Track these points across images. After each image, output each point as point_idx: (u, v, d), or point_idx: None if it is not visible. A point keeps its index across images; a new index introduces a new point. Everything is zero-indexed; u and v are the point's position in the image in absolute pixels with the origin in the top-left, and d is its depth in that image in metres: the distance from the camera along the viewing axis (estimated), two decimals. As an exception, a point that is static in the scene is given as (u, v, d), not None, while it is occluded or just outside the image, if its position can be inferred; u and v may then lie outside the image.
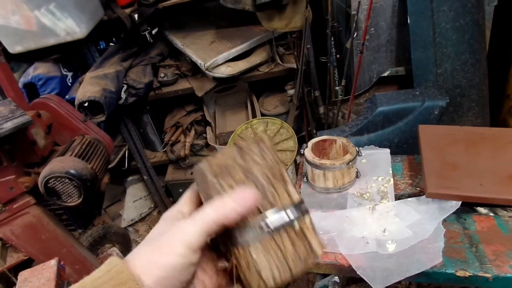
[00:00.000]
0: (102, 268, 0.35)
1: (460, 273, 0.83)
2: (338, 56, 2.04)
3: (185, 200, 0.43)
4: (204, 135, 2.50)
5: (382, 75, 2.19)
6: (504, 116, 2.06)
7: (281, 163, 0.44)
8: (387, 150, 1.25)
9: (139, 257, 0.36)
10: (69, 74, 2.12)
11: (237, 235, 0.39)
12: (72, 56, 2.20)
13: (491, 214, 0.99)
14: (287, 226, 0.40)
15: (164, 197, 2.71)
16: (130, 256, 0.37)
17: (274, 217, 0.39)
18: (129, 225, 2.81)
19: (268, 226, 0.39)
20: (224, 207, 0.37)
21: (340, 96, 2.03)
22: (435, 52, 1.87)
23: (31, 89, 2.00)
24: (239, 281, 0.41)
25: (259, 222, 0.39)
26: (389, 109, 1.74)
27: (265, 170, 0.42)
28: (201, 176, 0.42)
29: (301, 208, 0.41)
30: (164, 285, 0.35)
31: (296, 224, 0.40)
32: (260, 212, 0.40)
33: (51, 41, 1.81)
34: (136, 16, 1.95)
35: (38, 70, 1.96)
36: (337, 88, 2.08)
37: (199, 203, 0.42)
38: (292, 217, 0.40)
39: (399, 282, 1.87)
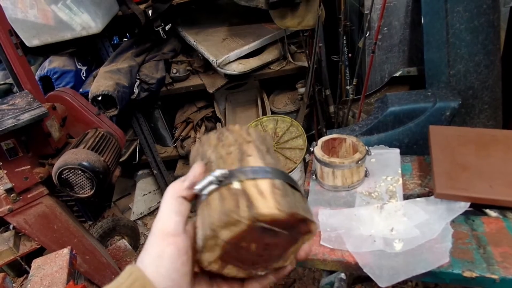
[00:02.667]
0: (122, 280, 0.36)
1: (467, 274, 0.83)
2: (350, 55, 2.04)
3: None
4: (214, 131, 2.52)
5: (394, 75, 2.18)
6: (517, 119, 2.04)
7: (249, 142, 0.45)
8: (397, 150, 1.25)
9: (143, 255, 0.38)
10: (84, 68, 2.16)
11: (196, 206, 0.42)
12: (87, 51, 2.23)
13: (500, 216, 0.98)
14: (216, 187, 0.39)
15: (173, 192, 2.74)
16: (139, 260, 0.38)
17: (203, 180, 0.40)
18: (138, 218, 2.85)
19: (198, 190, 0.40)
20: (175, 182, 0.41)
21: (351, 96, 2.03)
22: (448, 52, 1.86)
23: (47, 82, 2.04)
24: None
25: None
26: (400, 109, 1.73)
27: (219, 149, 0.44)
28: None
29: (255, 172, 0.40)
30: (166, 279, 0.36)
31: (234, 185, 0.38)
32: None
33: (67, 36, 1.84)
34: (150, 12, 1.98)
35: (53, 64, 2.00)
36: (348, 87, 2.08)
37: None
38: (219, 176, 0.39)
39: (406, 281, 1.87)
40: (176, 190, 0.40)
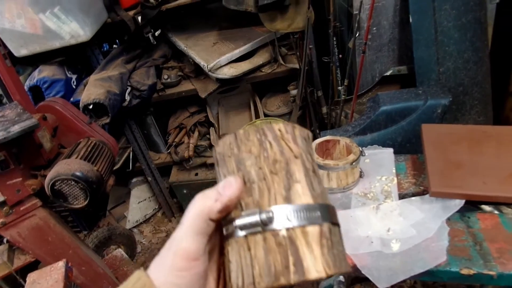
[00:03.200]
0: (130, 286, 0.35)
1: (464, 271, 0.84)
2: (340, 56, 2.05)
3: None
4: (207, 136, 2.51)
5: (385, 74, 2.20)
6: (507, 113, 2.06)
7: (296, 158, 0.37)
8: (391, 150, 1.26)
9: (156, 270, 0.36)
10: (74, 77, 2.14)
11: (223, 230, 0.37)
12: (77, 59, 2.22)
13: (496, 212, 0.99)
14: (260, 230, 0.34)
15: (169, 198, 2.73)
16: (150, 269, 0.37)
17: (244, 217, 0.34)
18: (134, 226, 2.83)
19: (236, 226, 0.35)
20: (205, 198, 0.35)
21: (343, 96, 2.03)
22: (437, 50, 1.88)
23: (36, 92, 2.02)
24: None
25: (233, 220, 0.35)
26: (392, 108, 1.74)
27: (262, 163, 0.37)
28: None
29: (303, 214, 0.34)
30: None
31: (281, 231, 0.33)
32: (242, 209, 0.36)
33: (56, 44, 1.82)
34: (139, 18, 1.97)
35: (43, 73, 1.98)
36: (339, 88, 2.09)
37: None
38: (265, 219, 0.33)
39: (404, 281, 1.87)
40: (204, 209, 0.35)
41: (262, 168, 0.36)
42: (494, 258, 0.85)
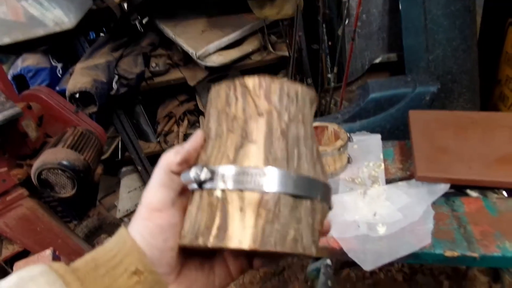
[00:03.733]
0: (112, 239, 0.35)
1: (448, 254, 0.85)
2: (330, 43, 2.04)
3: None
4: (197, 124, 2.50)
5: (374, 62, 2.20)
6: (494, 101, 2.08)
7: (260, 116, 0.33)
8: (378, 136, 1.26)
9: (132, 224, 0.36)
10: (59, 65, 2.10)
11: None
12: (62, 47, 2.17)
13: (481, 196, 1.01)
14: (196, 188, 0.33)
15: (159, 188, 2.72)
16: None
17: (187, 172, 0.33)
18: (125, 216, 2.81)
19: (184, 179, 0.34)
20: (169, 152, 0.36)
21: (333, 84, 2.03)
22: (427, 38, 1.88)
23: (21, 81, 1.98)
24: None
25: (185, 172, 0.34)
26: (381, 96, 1.75)
27: (222, 120, 0.35)
28: None
29: (244, 178, 0.31)
30: (149, 251, 0.34)
31: (216, 192, 0.31)
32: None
33: (39, 32, 1.78)
34: (125, 5, 1.93)
35: (27, 62, 1.94)
36: (329, 75, 2.09)
37: None
38: (201, 177, 0.31)
39: (392, 264, 1.90)
40: (167, 163, 0.35)
41: (221, 125, 0.34)
42: (477, 241, 0.87)
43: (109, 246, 0.34)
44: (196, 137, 0.36)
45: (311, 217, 0.33)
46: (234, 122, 0.34)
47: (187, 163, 0.35)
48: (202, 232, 0.31)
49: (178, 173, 0.35)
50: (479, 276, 1.78)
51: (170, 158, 0.35)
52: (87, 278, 0.31)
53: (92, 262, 0.32)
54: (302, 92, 0.36)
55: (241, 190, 0.30)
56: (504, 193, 0.98)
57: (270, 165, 0.31)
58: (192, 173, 0.32)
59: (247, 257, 0.39)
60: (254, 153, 0.32)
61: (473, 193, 1.02)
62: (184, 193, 0.36)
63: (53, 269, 0.31)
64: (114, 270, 0.32)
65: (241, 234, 0.29)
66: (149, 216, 0.34)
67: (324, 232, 0.37)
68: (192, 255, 0.38)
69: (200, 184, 0.32)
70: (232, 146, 0.33)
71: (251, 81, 0.35)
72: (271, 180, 0.31)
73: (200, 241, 0.30)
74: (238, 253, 0.39)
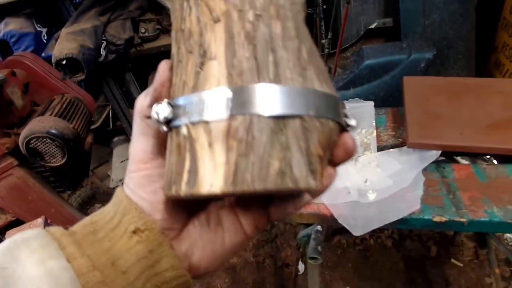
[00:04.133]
0: (110, 202, 0.32)
1: (436, 219, 0.86)
2: (324, 6, 1.98)
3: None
4: (189, 93, 2.45)
5: (370, 27, 2.15)
6: (490, 68, 2.06)
7: (216, 22, 0.26)
8: (371, 103, 1.24)
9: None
10: (44, 30, 2.02)
11: None
12: (46, 11, 2.08)
13: (471, 163, 1.01)
14: (164, 129, 0.27)
15: (152, 157, 2.71)
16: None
17: (153, 112, 0.27)
18: (118, 185, 2.82)
19: (153, 119, 0.28)
20: (140, 96, 0.31)
21: (327, 50, 1.99)
22: (424, 2, 1.83)
23: (4, 47, 1.91)
24: None
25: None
26: (375, 62, 1.72)
27: (180, 39, 0.28)
28: None
29: (206, 105, 0.25)
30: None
31: (182, 130, 0.26)
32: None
33: (21, -6, 1.70)
34: (111, -35, 1.84)
35: (10, 26, 1.87)
36: (323, 41, 2.04)
37: None
38: (164, 115, 0.26)
39: (382, 231, 1.94)
40: (141, 108, 0.31)
41: (180, 47, 0.28)
42: (465, 206, 0.88)
43: (107, 208, 0.32)
44: (161, 69, 0.30)
45: (304, 140, 0.25)
46: (190, 40, 0.27)
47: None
48: (174, 180, 0.26)
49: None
50: (466, 242, 1.83)
51: (141, 102, 0.31)
52: (84, 241, 0.29)
53: (91, 226, 0.30)
54: None
55: (206, 122, 0.24)
56: (494, 161, 0.99)
57: (235, 82, 0.24)
58: (153, 112, 0.27)
59: (260, 207, 0.33)
60: (215, 72, 0.25)
61: (463, 161, 1.02)
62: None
63: (49, 232, 0.29)
64: (113, 232, 0.30)
65: (212, 176, 0.24)
66: (135, 169, 0.32)
67: (342, 155, 0.29)
68: (193, 208, 0.34)
69: (167, 123, 0.27)
70: (192, 70, 0.26)
71: None
72: (236, 101, 0.24)
73: (173, 191, 0.26)
74: (245, 202, 0.33)
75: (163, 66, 0.30)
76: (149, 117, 0.30)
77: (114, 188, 2.66)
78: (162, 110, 0.26)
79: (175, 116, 0.26)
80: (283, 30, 0.26)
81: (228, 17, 0.26)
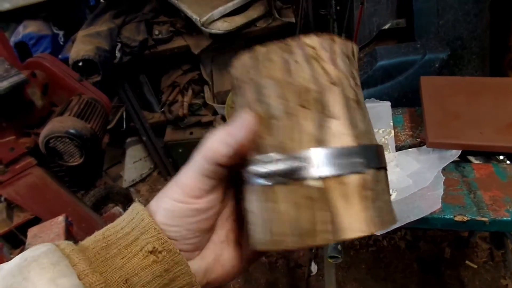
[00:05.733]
0: (126, 216, 0.32)
1: (458, 218, 0.86)
2: (338, 8, 1.98)
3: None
4: (201, 94, 2.47)
5: (383, 27, 2.14)
6: (504, 68, 2.04)
7: (334, 85, 0.29)
8: (388, 103, 1.25)
9: (154, 202, 0.33)
10: (61, 33, 2.06)
11: (242, 173, 0.31)
12: (62, 14, 2.12)
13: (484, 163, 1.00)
14: (285, 181, 0.27)
15: (164, 158, 2.73)
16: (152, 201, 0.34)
17: (265, 164, 0.28)
18: (130, 186, 2.85)
19: (256, 173, 0.28)
20: (213, 140, 0.30)
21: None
22: (438, 2, 1.82)
23: (22, 49, 1.94)
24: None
25: (251, 165, 0.29)
26: (389, 63, 1.72)
27: (287, 92, 0.28)
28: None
29: (340, 160, 0.27)
30: (175, 232, 0.31)
31: (312, 182, 0.27)
32: (261, 152, 0.29)
33: (39, -3, 1.74)
34: (126, -31, 1.86)
35: (28, 29, 1.90)
36: (336, 42, 2.03)
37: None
38: (291, 167, 0.27)
39: (395, 232, 1.93)
40: (213, 153, 0.30)
41: (286, 99, 0.28)
42: (487, 205, 0.87)
43: (122, 223, 0.31)
44: (247, 123, 0.29)
45: (387, 185, 0.31)
46: (307, 96, 0.28)
47: (240, 155, 0.30)
48: (312, 232, 0.27)
49: (225, 166, 0.31)
50: (481, 243, 1.81)
51: (216, 148, 0.30)
52: (96, 258, 0.29)
53: (103, 241, 0.30)
54: (353, 49, 0.31)
55: (340, 176, 0.27)
56: (508, 161, 0.98)
57: (359, 141, 0.28)
58: (272, 166, 0.27)
59: None
60: (340, 130, 0.28)
61: (476, 161, 1.02)
62: (224, 178, 0.33)
63: (59, 248, 0.28)
64: (127, 249, 0.29)
65: (356, 223, 0.27)
66: (184, 200, 0.31)
67: None
68: (219, 230, 0.36)
69: (285, 175, 0.27)
70: (312, 125, 0.28)
71: (311, 42, 0.29)
72: (367, 158, 0.28)
73: (312, 241, 0.27)
74: None
75: (251, 120, 0.29)
76: (223, 165, 0.30)
77: (127, 189, 2.69)
78: (287, 162, 0.27)
79: (298, 168, 0.27)
80: (362, 94, 0.32)
81: (341, 81, 0.29)
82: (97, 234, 0.31)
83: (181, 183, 0.32)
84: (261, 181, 0.28)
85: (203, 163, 0.30)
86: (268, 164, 0.28)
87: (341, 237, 0.27)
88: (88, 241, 0.30)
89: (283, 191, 0.28)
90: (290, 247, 0.28)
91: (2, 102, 1.29)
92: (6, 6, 1.75)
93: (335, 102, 0.28)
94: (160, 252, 0.30)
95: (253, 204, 0.30)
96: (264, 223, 0.29)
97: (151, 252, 0.29)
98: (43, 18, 2.02)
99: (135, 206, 0.32)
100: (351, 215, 0.27)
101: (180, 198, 0.31)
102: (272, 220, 0.28)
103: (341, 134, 0.28)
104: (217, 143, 0.30)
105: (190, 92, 2.45)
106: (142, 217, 0.31)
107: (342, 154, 0.27)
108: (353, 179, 0.27)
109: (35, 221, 1.87)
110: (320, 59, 0.29)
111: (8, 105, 1.33)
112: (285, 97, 0.28)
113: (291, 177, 0.27)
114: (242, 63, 0.31)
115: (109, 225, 0.32)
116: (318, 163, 0.27)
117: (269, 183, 0.28)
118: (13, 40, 1.91)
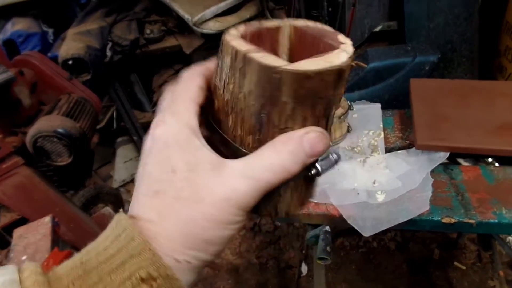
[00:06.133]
0: (109, 232, 0.26)
1: (445, 220, 0.86)
2: (330, 9, 1.99)
3: (187, 104, 0.28)
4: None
5: (374, 30, 2.16)
6: (493, 71, 2.07)
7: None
8: (378, 105, 1.25)
9: (161, 218, 0.26)
10: (50, 31, 2.03)
11: None
12: (52, 12, 2.09)
13: (472, 165, 1.01)
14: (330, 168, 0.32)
15: (155, 158, 2.71)
16: (138, 211, 0.26)
17: (322, 161, 0.30)
18: (121, 186, 2.82)
19: (318, 172, 0.30)
20: (288, 155, 0.26)
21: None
22: (428, 5, 1.84)
23: (11, 47, 1.91)
24: None
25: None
26: (380, 65, 1.73)
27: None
28: (260, 80, 0.26)
29: None
30: (198, 258, 0.26)
31: None
32: None
33: (28, -6, 1.71)
34: (118, -33, 1.85)
35: (17, 26, 1.87)
36: (328, 44, 2.04)
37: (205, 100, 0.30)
38: (336, 157, 0.31)
39: (385, 233, 1.94)
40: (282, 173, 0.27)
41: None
42: (474, 208, 0.88)
43: (105, 243, 0.25)
44: (325, 136, 0.29)
45: None
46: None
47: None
48: None
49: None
50: (469, 245, 1.83)
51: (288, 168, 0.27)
52: None
53: (80, 267, 0.24)
54: None
55: None
56: (496, 164, 0.99)
57: None
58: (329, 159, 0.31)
59: None
60: None
61: (466, 163, 1.03)
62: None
63: (22, 277, 0.23)
64: (111, 276, 0.24)
65: None
66: (233, 218, 0.26)
67: None
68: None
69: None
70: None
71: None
72: None
73: None
74: None
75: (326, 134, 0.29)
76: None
77: (117, 189, 2.66)
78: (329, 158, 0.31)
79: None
80: None
81: None
82: (75, 259, 0.25)
83: (236, 203, 0.26)
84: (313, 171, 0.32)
85: (267, 186, 0.27)
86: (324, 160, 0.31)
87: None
88: (63, 267, 0.25)
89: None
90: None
91: (-12, 100, 1.27)
92: (-6, 2, 1.73)
93: None
94: (154, 279, 0.24)
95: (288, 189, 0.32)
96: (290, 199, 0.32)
97: (143, 280, 0.24)
98: (33, 15, 1.99)
99: (120, 220, 0.26)
100: None
101: (234, 219, 0.26)
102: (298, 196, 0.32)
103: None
104: (289, 164, 0.27)
105: (181, 92, 2.44)
106: (131, 235, 0.25)
107: None
108: None
109: (23, 221, 1.84)
110: None
111: (-5, 104, 1.31)
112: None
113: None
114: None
115: (89, 246, 0.26)
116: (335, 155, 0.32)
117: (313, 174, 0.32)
118: (1, 37, 1.88)
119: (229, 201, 0.25)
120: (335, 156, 0.30)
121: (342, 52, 0.28)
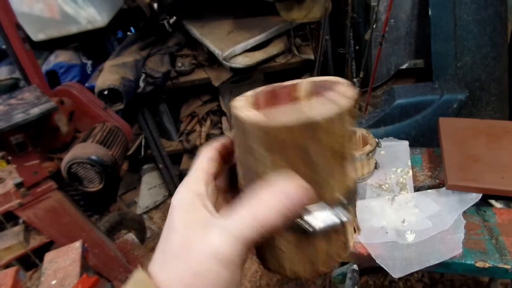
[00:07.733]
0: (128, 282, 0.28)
1: (479, 264, 0.84)
2: (357, 47, 2.03)
3: (198, 174, 0.32)
4: (219, 125, 2.52)
5: (401, 67, 2.18)
6: (524, 111, 2.03)
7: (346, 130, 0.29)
8: (406, 142, 1.25)
9: (166, 271, 0.28)
10: (89, 63, 2.16)
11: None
12: (92, 45, 2.23)
13: (506, 207, 0.99)
14: (332, 228, 0.30)
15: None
16: (154, 268, 0.29)
17: (319, 217, 0.29)
18: (144, 212, 2.86)
19: (311, 226, 0.29)
20: (264, 210, 0.27)
21: (358, 88, 2.02)
22: (456, 45, 1.85)
23: (52, 77, 2.04)
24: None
25: (298, 220, 0.29)
26: (407, 102, 1.73)
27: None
28: (243, 134, 0.28)
29: (352, 197, 0.31)
30: None
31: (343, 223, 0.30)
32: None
33: (73, 29, 1.84)
34: (155, 5, 1.97)
35: (59, 58, 2.00)
36: (354, 80, 2.07)
37: (216, 173, 0.33)
38: (343, 218, 0.30)
39: (412, 274, 1.87)
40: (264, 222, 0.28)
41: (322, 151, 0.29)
42: (510, 252, 0.85)
43: None
44: (307, 188, 0.29)
45: None
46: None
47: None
48: (339, 254, 0.34)
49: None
50: (502, 290, 1.73)
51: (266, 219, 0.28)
52: None
53: None
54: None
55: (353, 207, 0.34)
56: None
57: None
58: (330, 217, 0.31)
59: None
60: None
61: (498, 204, 1.00)
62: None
63: None
64: None
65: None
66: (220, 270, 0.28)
67: None
68: None
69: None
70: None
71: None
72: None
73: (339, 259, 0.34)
74: None
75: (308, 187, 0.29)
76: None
77: (140, 215, 2.70)
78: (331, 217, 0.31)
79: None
80: None
81: None
82: None
83: (219, 254, 0.27)
84: (309, 228, 0.29)
85: (250, 234, 0.27)
86: (308, 219, 0.29)
87: (349, 249, 0.33)
88: None
89: (319, 237, 0.31)
90: (322, 271, 0.32)
91: (31, 128, 1.34)
92: (41, 37, 1.86)
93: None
94: None
95: (289, 246, 0.31)
96: (303, 258, 0.32)
97: None
98: (74, 48, 2.13)
99: (139, 274, 0.28)
100: (350, 233, 0.33)
101: (219, 270, 0.27)
102: (312, 253, 0.31)
103: (349, 177, 0.31)
104: (270, 214, 0.27)
105: (208, 122, 2.50)
106: (138, 279, 0.27)
107: (350, 195, 0.31)
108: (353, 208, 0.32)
109: (50, 244, 1.89)
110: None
111: (35, 131, 1.38)
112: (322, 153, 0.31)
113: (329, 228, 0.30)
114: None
115: None
116: (342, 215, 0.30)
117: (317, 230, 0.30)
118: (44, 68, 2.01)
119: (214, 258, 0.27)
120: (342, 217, 0.29)
121: (330, 105, 0.28)
